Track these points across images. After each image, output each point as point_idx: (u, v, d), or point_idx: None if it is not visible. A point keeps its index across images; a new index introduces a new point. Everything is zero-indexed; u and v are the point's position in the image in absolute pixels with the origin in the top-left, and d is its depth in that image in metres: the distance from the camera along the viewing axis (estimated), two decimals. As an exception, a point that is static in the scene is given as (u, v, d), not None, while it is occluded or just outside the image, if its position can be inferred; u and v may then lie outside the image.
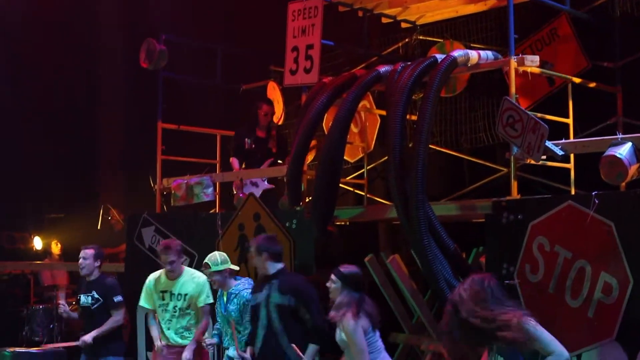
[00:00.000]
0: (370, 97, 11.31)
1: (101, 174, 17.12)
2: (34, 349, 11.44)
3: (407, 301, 9.98)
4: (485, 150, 11.29)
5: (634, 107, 10.18)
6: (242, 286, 8.77)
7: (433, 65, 9.01)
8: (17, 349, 11.21)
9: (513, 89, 8.73)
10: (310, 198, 10.07)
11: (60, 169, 16.92)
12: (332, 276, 7.37)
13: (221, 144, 12.42)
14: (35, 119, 16.65)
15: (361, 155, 11.52)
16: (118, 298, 9.61)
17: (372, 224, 11.98)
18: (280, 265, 8.31)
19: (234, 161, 11.53)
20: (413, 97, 9.54)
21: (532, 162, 8.49)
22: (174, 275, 9.24)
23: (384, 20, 11.85)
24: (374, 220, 11.23)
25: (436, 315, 9.85)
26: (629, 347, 7.38)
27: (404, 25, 11.99)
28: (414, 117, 10.04)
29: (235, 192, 11.07)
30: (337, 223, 10.48)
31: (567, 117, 9.19)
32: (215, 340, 8.92)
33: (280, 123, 12.01)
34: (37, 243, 15.93)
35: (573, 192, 8.84)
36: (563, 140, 8.51)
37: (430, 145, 9.34)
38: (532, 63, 8.95)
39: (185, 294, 9.19)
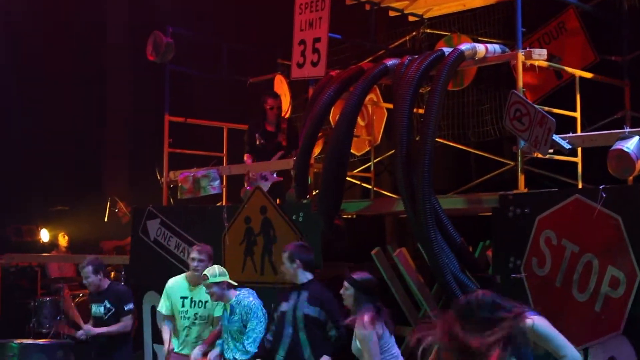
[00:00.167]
0: (378, 90, 11.31)
1: (108, 166, 17.14)
2: (41, 341, 11.45)
3: (413, 295, 9.97)
4: (492, 143, 11.28)
5: (642, 100, 10.18)
6: (243, 295, 8.75)
7: (440, 58, 9.00)
8: (25, 341, 11.23)
9: (520, 83, 8.71)
10: (317, 191, 10.07)
11: (67, 162, 16.97)
12: (345, 283, 7.37)
13: (228, 137, 12.42)
14: (42, 112, 16.67)
15: (368, 149, 11.52)
16: (129, 306, 9.61)
17: (378, 217, 11.98)
18: (310, 276, 8.32)
19: (248, 158, 11.50)
20: (420, 91, 9.53)
21: (540, 155, 8.47)
22: (196, 280, 9.18)
23: (391, 13, 11.83)
24: (381, 214, 11.23)
25: (443, 308, 9.85)
26: (636, 341, 7.36)
27: (411, 18, 11.97)
28: (421, 111, 10.03)
29: (246, 186, 11.06)
30: (344, 216, 10.46)
31: (575, 110, 9.16)
32: (217, 351, 8.86)
33: (287, 116, 12.00)
34: (44, 235, 15.96)
35: (580, 186, 8.83)
36: (570, 134, 8.49)
37: (437, 139, 9.32)
38: (540, 56, 8.93)
39: (206, 301, 9.13)
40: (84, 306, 11.44)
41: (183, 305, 9.19)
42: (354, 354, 7.27)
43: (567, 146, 8.26)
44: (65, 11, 16.61)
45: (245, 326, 8.59)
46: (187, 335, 9.16)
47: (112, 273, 12.62)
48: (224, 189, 11.59)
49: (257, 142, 11.37)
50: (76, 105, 16.91)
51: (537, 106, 8.37)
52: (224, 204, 11.58)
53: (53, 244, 15.51)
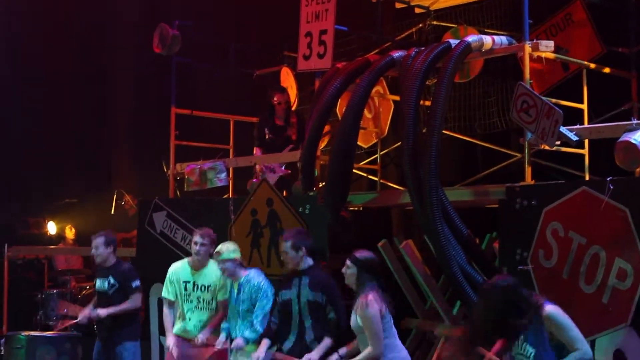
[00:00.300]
0: (384, 82, 11.29)
1: (115, 159, 17.16)
2: (48, 333, 11.49)
3: (420, 287, 9.98)
4: (499, 135, 11.26)
5: (649, 92, 10.15)
6: (252, 274, 8.76)
7: (447, 50, 8.99)
8: (32, 333, 11.26)
9: (527, 75, 8.70)
10: (323, 183, 10.08)
11: (74, 154, 16.98)
12: (348, 261, 7.34)
13: (234, 129, 12.43)
14: (49, 104, 16.68)
15: (375, 141, 11.51)
16: (136, 283, 9.63)
17: (385, 210, 11.97)
18: (311, 261, 8.32)
19: (257, 151, 11.49)
20: (427, 83, 9.51)
21: (546, 147, 8.46)
22: (198, 264, 9.20)
23: (398, 5, 11.82)
24: (387, 206, 11.23)
25: (449, 300, 9.86)
26: (643, 332, 7.38)
27: (417, 10, 11.95)
28: (427, 103, 10.02)
29: (255, 179, 11.07)
30: (351, 208, 10.47)
31: (582, 102, 9.15)
32: (223, 336, 8.85)
33: (293, 109, 11.99)
34: (51, 228, 15.99)
35: (587, 178, 8.82)
36: (577, 126, 8.48)
37: (443, 131, 9.32)
38: (547, 48, 8.91)
39: (209, 285, 9.14)
40: (90, 299, 11.47)
41: (186, 289, 9.20)
42: (353, 331, 7.26)
43: (574, 138, 8.25)
44: (67, 4, 16.59)
45: (254, 305, 8.60)
46: (190, 319, 9.18)
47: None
48: (230, 181, 11.59)
49: (267, 137, 11.37)
50: (83, 99, 16.93)
51: (544, 98, 8.35)
52: (230, 196, 11.59)
53: (60, 237, 15.54)
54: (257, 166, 11.16)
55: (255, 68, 13.10)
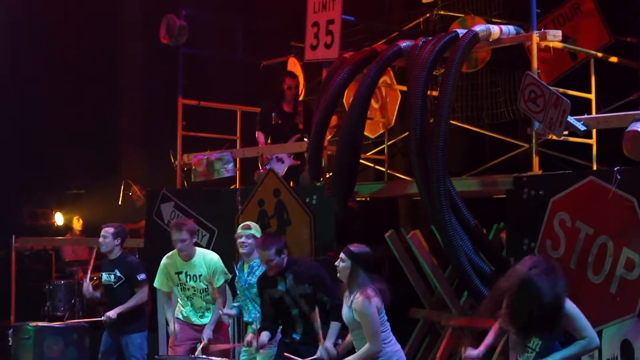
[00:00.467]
0: (391, 72, 11.27)
1: (122, 150, 17.17)
2: (56, 324, 11.51)
3: (427, 277, 9.98)
4: (506, 125, 11.24)
5: (657, 82, 10.11)
6: None
7: (454, 40, 8.97)
8: (40, 323, 11.28)
9: (535, 64, 8.68)
10: (330, 174, 10.07)
11: (81, 145, 17.00)
12: (342, 255, 7.11)
13: (241, 120, 12.43)
14: (57, 96, 16.71)
15: (382, 131, 11.49)
16: (142, 276, 9.62)
17: (392, 200, 11.97)
18: (286, 257, 8.11)
19: (260, 135, 11.49)
20: (434, 73, 9.49)
21: (554, 137, 8.45)
22: (186, 256, 9.18)
23: (405, -5, 11.80)
24: (395, 196, 11.22)
25: (456, 290, 9.86)
26: (651, 323, 7.37)
27: (424, 0, 11.91)
28: (435, 93, 10.00)
29: (261, 167, 11.06)
30: (358, 199, 10.46)
31: (590, 92, 9.12)
32: (234, 312, 8.89)
33: (300, 98, 11.99)
34: (59, 219, 16.01)
35: (595, 168, 8.79)
36: (585, 116, 8.46)
37: (451, 121, 9.30)
38: (555, 38, 8.88)
39: (200, 275, 9.13)
40: (99, 290, 11.49)
41: (180, 280, 9.20)
42: (347, 325, 7.17)
43: (582, 128, 8.23)
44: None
45: None
46: (191, 305, 9.20)
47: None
48: (237, 172, 11.59)
49: (273, 122, 11.36)
50: (90, 90, 16.95)
51: (551, 88, 8.33)
52: (237, 186, 11.59)
53: (67, 228, 15.56)
54: (262, 155, 11.17)
55: (262, 58, 13.09)
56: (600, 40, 10.29)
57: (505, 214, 8.70)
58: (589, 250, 7.75)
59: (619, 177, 7.55)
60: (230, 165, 11.26)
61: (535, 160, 8.57)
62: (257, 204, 10.32)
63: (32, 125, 16.44)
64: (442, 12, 12.00)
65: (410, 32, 11.70)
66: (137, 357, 9.64)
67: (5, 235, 13.56)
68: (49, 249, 14.84)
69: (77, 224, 15.32)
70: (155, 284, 9.45)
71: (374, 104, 11.10)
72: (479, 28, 9.07)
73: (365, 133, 10.63)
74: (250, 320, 8.66)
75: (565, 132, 8.29)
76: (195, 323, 9.17)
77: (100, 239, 9.74)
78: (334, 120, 10.27)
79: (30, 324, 11.02)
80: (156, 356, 8.81)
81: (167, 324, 9.46)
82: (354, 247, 7.17)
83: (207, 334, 8.97)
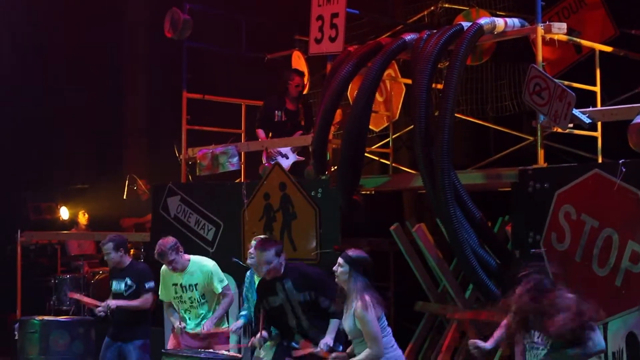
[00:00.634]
0: (396, 65, 11.27)
1: (127, 144, 17.16)
2: (62, 318, 11.53)
3: (432, 270, 9.98)
4: (511, 118, 11.23)
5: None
6: None
7: (459, 33, 8.96)
8: (46, 317, 11.30)
9: (540, 57, 8.67)
10: (335, 167, 10.07)
11: (86, 140, 17.02)
12: (340, 260, 7.05)
13: (246, 114, 12.43)
14: (61, 90, 16.71)
15: (386, 124, 11.49)
16: (150, 284, 9.56)
17: (397, 193, 11.97)
18: (284, 261, 8.03)
19: (260, 132, 11.49)
20: (439, 66, 9.49)
21: (559, 130, 8.44)
22: (180, 268, 9.12)
23: (409, -12, 11.78)
24: (399, 189, 11.22)
25: (462, 284, 9.86)
26: (656, 316, 7.37)
27: (428, -7, 11.92)
28: (439, 86, 10.00)
29: (264, 163, 11.06)
30: (363, 192, 10.47)
31: (595, 85, 9.11)
32: (241, 322, 8.78)
33: (305, 92, 11.98)
34: (64, 213, 16.03)
35: (600, 161, 8.78)
36: (590, 108, 8.45)
37: (455, 114, 9.29)
38: (559, 30, 8.88)
39: (196, 284, 9.08)
40: (104, 283, 11.50)
41: (176, 292, 9.18)
42: (348, 335, 7.11)
43: (587, 120, 8.22)
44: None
45: None
46: (189, 318, 9.17)
47: (132, 250, 12.64)
48: (242, 166, 11.60)
49: (276, 119, 11.35)
50: (95, 84, 16.94)
51: (556, 80, 8.32)
52: (242, 180, 11.59)
53: (73, 222, 15.58)
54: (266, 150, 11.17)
55: (266, 52, 13.08)
56: (605, 32, 10.27)
57: (511, 207, 8.69)
58: (594, 243, 7.74)
59: (624, 170, 7.55)
60: (235, 159, 11.27)
61: (540, 153, 8.57)
62: (262, 197, 10.33)
63: (37, 119, 16.44)
64: (446, 5, 11.98)
65: (414, 25, 11.70)
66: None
67: (11, 229, 13.60)
68: (55, 244, 14.84)
69: (83, 218, 15.33)
70: (160, 297, 9.42)
71: (379, 98, 11.10)
72: (484, 21, 9.06)
73: (370, 126, 10.63)
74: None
75: (570, 125, 8.29)
76: (195, 332, 9.09)
77: (105, 257, 9.75)
78: (338, 113, 10.26)
79: (36, 318, 11.05)
80: (163, 350, 8.77)
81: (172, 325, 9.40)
82: (352, 252, 7.11)
83: (207, 326, 8.94)
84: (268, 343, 8.22)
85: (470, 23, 9.11)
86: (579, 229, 7.86)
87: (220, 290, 9.07)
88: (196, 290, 9.09)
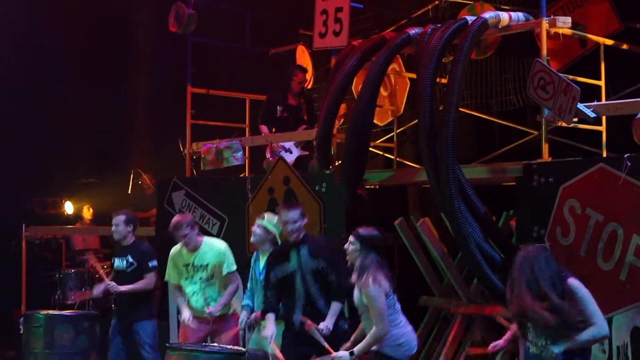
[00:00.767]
0: (400, 59, 11.26)
1: (131, 138, 17.17)
2: (67, 312, 11.54)
3: (437, 264, 9.99)
4: (515, 112, 11.23)
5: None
6: None
7: (463, 27, 8.95)
8: (50, 312, 11.31)
9: (544, 51, 8.66)
10: (339, 161, 10.07)
11: (90, 134, 17.02)
12: (351, 237, 7.17)
13: (250, 108, 12.43)
14: (66, 85, 16.71)
15: (391, 119, 11.49)
16: (153, 263, 9.65)
17: (401, 187, 11.97)
18: (304, 230, 8.16)
19: (263, 128, 11.49)
20: (443, 60, 9.47)
21: (564, 124, 8.43)
22: (192, 247, 9.21)
23: (414, -18, 11.76)
24: (404, 184, 11.21)
25: (466, 278, 9.86)
26: (661, 310, 7.36)
27: (433, -13, 11.91)
28: (444, 80, 9.98)
29: (269, 157, 11.06)
30: (367, 186, 10.47)
31: (599, 79, 9.10)
32: (245, 313, 8.70)
33: (309, 87, 11.97)
34: (69, 208, 16.04)
35: (605, 155, 8.77)
36: (595, 103, 8.43)
37: (460, 109, 9.28)
38: (564, 24, 8.86)
39: (207, 264, 9.15)
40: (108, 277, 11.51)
41: (187, 271, 9.22)
42: (357, 308, 7.19)
43: (592, 115, 8.20)
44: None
45: None
46: (197, 300, 9.19)
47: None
48: (246, 160, 11.60)
49: (277, 114, 11.36)
50: (100, 78, 16.93)
51: (561, 75, 8.31)
52: (246, 174, 11.60)
53: (77, 216, 15.60)
54: (270, 144, 11.17)
55: (270, 46, 13.07)
56: (610, 26, 10.25)
57: (515, 201, 8.69)
58: (598, 237, 7.74)
59: (629, 164, 7.54)
60: (240, 154, 11.28)
61: (545, 148, 8.56)
62: (267, 192, 10.34)
63: (41, 114, 16.45)
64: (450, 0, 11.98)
65: (419, 20, 11.70)
66: (149, 344, 9.68)
67: (16, 224, 13.61)
68: (59, 238, 14.87)
69: (87, 212, 15.36)
70: (166, 278, 9.46)
71: (383, 92, 11.09)
72: (488, 15, 9.04)
73: (375, 121, 10.62)
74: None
75: (575, 119, 8.27)
76: (204, 316, 9.14)
77: (113, 228, 9.79)
78: (342, 108, 10.26)
79: (41, 312, 11.05)
80: (167, 344, 8.78)
81: (178, 313, 9.45)
82: (362, 230, 7.22)
83: (213, 310, 8.96)
84: (263, 322, 8.26)
85: (475, 17, 9.09)
86: (583, 224, 7.85)
87: (226, 273, 9.10)
88: (206, 270, 9.14)
